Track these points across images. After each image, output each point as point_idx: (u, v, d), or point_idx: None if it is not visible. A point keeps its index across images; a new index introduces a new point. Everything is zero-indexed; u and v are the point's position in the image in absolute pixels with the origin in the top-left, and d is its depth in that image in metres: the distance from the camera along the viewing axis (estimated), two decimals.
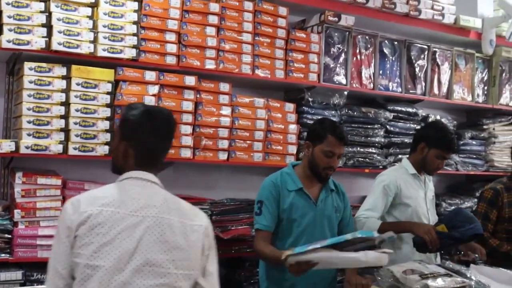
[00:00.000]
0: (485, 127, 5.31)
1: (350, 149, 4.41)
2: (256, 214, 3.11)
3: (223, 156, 3.90)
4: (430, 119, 4.82)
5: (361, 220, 3.41)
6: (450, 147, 3.56)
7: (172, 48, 3.74)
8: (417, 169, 3.61)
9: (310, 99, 4.24)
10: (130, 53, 3.59)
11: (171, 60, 3.74)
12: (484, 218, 4.02)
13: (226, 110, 3.91)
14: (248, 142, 3.97)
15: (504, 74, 5.45)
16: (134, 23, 3.61)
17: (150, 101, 3.61)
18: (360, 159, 4.46)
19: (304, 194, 3.15)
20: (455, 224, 3.30)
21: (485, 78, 5.39)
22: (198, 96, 3.83)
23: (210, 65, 3.85)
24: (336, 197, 3.27)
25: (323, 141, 3.10)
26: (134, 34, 3.60)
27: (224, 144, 3.89)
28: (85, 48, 3.45)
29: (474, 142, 5.22)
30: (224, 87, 3.93)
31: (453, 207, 4.95)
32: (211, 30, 3.87)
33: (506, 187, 4.10)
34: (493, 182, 4.22)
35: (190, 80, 3.77)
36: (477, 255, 3.52)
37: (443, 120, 4.95)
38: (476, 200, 4.52)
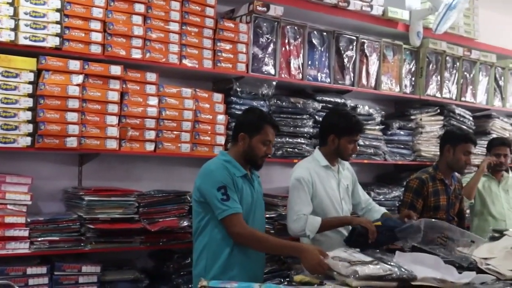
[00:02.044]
0: (412, 117, 5.61)
1: (279, 139, 4.59)
2: (223, 200, 3.17)
3: (150, 147, 4.01)
4: (358, 110, 5.07)
5: (301, 218, 3.60)
6: (357, 129, 3.81)
7: (97, 37, 3.82)
8: (329, 159, 3.83)
9: (238, 89, 4.40)
10: (53, 42, 3.66)
11: (96, 49, 3.82)
12: (410, 207, 4.28)
13: (153, 101, 4.03)
14: (175, 132, 4.10)
15: (431, 66, 5.77)
16: (57, 10, 3.67)
17: (74, 91, 3.69)
18: (289, 149, 4.65)
19: (247, 179, 3.37)
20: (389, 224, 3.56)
21: (413, 69, 5.69)
22: (124, 86, 3.93)
23: (136, 54, 3.96)
24: (258, 184, 3.52)
25: (261, 132, 3.34)
26: (57, 22, 3.67)
27: (151, 135, 4.00)
28: (6, 36, 3.51)
29: (402, 132, 5.53)
30: (151, 77, 4.04)
31: (381, 196, 5.25)
32: (137, 19, 3.97)
33: (431, 177, 4.39)
34: (419, 172, 4.51)
35: (116, 70, 3.87)
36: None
37: (371, 110, 5.22)
38: (403, 189, 4.80)
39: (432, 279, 3.05)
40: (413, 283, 3.02)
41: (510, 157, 5.43)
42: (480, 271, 3.44)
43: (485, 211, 5.25)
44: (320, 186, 3.76)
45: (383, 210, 4.03)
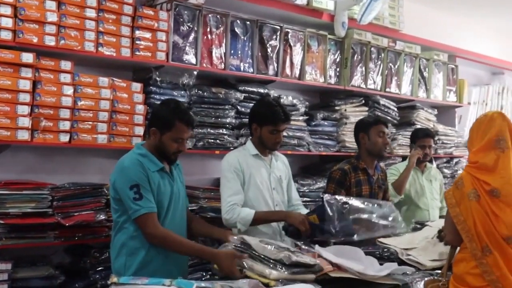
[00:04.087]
0: (337, 108, 5.74)
1: (200, 130, 4.62)
2: (136, 199, 3.16)
3: (64, 138, 3.96)
4: (282, 100, 5.13)
5: (234, 209, 3.71)
6: (278, 119, 3.89)
7: (7, 22, 3.74)
8: (260, 149, 3.94)
9: (158, 78, 4.40)
10: None
11: (6, 36, 3.75)
12: None
13: (68, 90, 3.98)
14: (91, 123, 4.06)
15: (355, 56, 5.92)
16: None
17: None
18: (210, 140, 4.68)
19: (165, 173, 3.37)
20: (324, 217, 3.64)
21: (337, 60, 5.82)
22: (36, 74, 3.87)
23: (50, 41, 3.90)
24: (179, 172, 3.53)
25: (172, 129, 3.30)
26: None
27: (66, 125, 3.96)
28: None
29: (326, 123, 5.65)
30: (66, 65, 3.99)
31: (305, 188, 5.36)
32: (51, 4, 3.91)
33: (353, 167, 4.51)
34: (341, 163, 4.62)
35: (28, 57, 3.80)
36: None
37: (294, 101, 5.31)
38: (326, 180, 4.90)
39: (352, 270, 3.16)
40: (332, 275, 3.12)
41: (433, 147, 5.64)
42: (401, 261, 3.60)
43: (410, 202, 5.43)
44: (249, 174, 3.86)
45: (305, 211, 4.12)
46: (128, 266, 3.26)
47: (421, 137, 5.48)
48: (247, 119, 4.83)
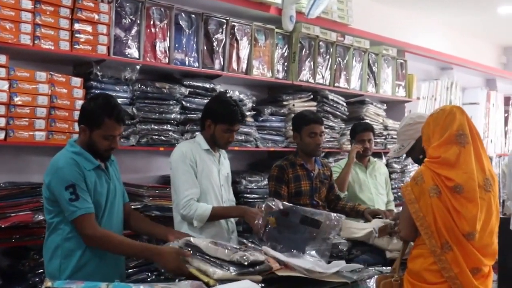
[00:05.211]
0: (285, 103, 5.74)
1: (144, 126, 4.56)
2: (72, 200, 3.08)
3: None
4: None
5: (192, 204, 3.68)
6: (234, 119, 3.88)
7: None
8: (210, 145, 3.92)
9: (99, 73, 4.32)
10: None
11: None
12: (275, 195, 4.38)
13: (3, 85, 3.86)
14: (28, 119, 3.96)
15: (304, 51, 5.93)
16: None
17: None
18: (154, 137, 4.62)
19: (101, 171, 3.30)
20: (287, 223, 3.62)
21: (285, 54, 5.83)
22: None
23: None
24: (114, 168, 3.47)
25: (101, 126, 3.21)
26: None
27: (1, 122, 3.84)
28: None
29: (274, 118, 5.64)
30: (0, 59, 3.87)
31: (253, 184, 5.34)
32: None
33: (290, 163, 4.52)
34: (280, 160, 4.63)
35: None
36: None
37: (241, 96, 5.29)
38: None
39: (300, 268, 3.16)
40: (280, 274, 3.11)
41: (373, 141, 5.65)
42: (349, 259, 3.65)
43: (355, 198, 5.39)
44: (201, 168, 3.83)
45: None
46: (63, 269, 3.18)
47: (360, 131, 5.46)
48: (193, 115, 4.86)
